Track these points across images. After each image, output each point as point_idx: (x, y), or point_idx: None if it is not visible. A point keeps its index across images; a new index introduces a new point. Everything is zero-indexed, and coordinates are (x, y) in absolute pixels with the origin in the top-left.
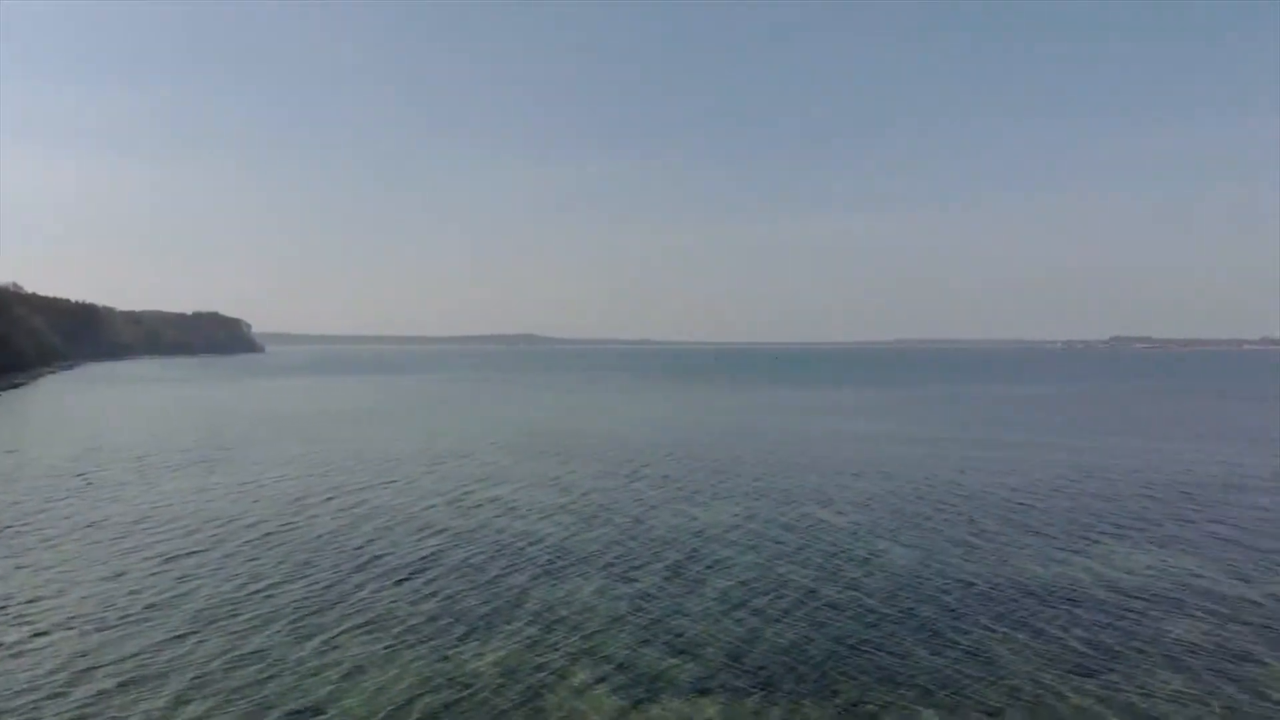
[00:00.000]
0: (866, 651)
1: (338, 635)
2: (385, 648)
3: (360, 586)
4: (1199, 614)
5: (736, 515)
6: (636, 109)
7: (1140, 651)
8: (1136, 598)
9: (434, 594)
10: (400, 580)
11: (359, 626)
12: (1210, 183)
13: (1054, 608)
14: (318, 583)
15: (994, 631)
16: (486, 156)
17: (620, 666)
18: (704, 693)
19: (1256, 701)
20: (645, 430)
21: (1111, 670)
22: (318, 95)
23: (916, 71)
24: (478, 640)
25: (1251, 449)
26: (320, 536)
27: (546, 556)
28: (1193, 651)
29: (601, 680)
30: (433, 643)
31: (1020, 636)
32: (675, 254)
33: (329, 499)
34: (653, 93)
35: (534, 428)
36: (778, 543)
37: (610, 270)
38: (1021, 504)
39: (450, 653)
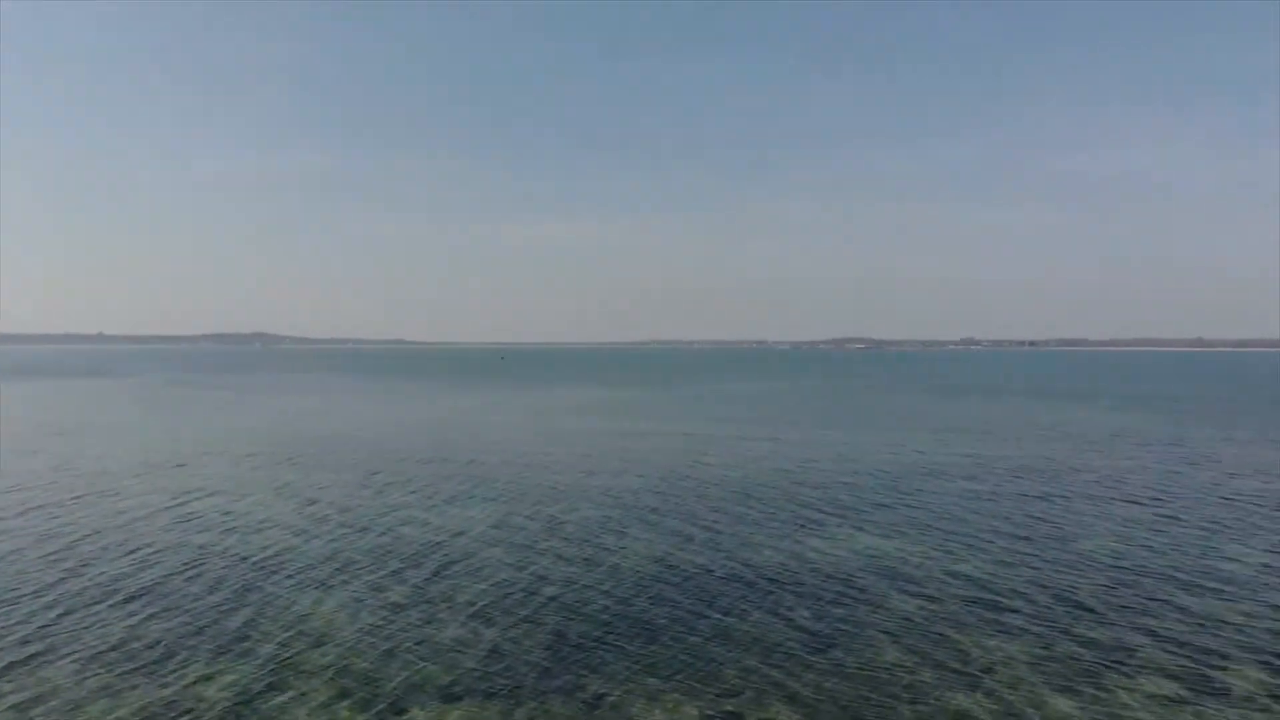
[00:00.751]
0: (611, 644)
1: (46, 666)
2: (100, 679)
3: (70, 613)
4: (912, 590)
5: (479, 518)
6: (385, 99)
7: (863, 627)
8: (857, 577)
9: (156, 616)
10: (115, 604)
11: (71, 656)
12: (873, 202)
13: (786, 590)
14: (17, 610)
15: (731, 616)
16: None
17: (365, 680)
18: (452, 699)
19: (964, 668)
20: (378, 433)
21: (836, 646)
22: None
23: (665, 90)
24: (205, 664)
25: (942, 438)
26: (23, 558)
27: (283, 571)
28: (908, 624)
29: (344, 696)
30: (155, 669)
31: (755, 619)
32: (430, 252)
33: (22, 514)
34: (407, 85)
35: (255, 435)
36: (523, 544)
37: (361, 267)
38: (751, 493)
39: (172, 679)
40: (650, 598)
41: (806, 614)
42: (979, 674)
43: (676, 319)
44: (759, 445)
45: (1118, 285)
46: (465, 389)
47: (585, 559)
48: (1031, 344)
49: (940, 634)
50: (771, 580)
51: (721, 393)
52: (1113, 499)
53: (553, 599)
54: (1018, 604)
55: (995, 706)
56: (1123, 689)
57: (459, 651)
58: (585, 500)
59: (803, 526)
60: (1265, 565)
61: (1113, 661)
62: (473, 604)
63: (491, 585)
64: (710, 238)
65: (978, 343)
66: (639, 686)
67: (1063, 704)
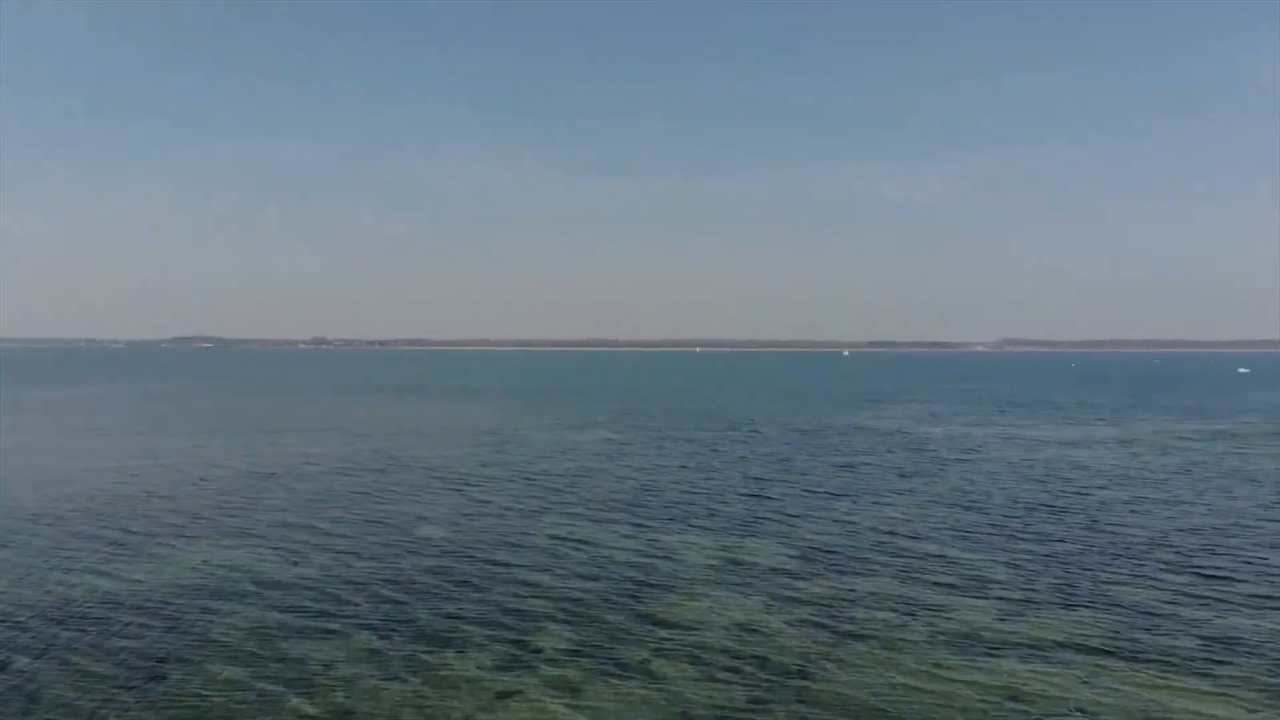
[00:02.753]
0: None
1: None
2: None
3: None
4: (252, 601)
5: None
6: None
7: (200, 647)
8: (190, 596)
9: None
10: None
11: None
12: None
13: (108, 623)
14: None
15: (43, 660)
16: None
17: None
18: None
19: (301, 673)
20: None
21: (167, 674)
22: None
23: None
24: None
25: (278, 439)
26: None
27: None
28: (248, 638)
29: None
30: None
31: (83, 655)
32: None
33: None
34: None
35: None
36: None
37: None
38: (62, 517)
39: None
40: None
41: (133, 644)
42: (314, 676)
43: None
44: (72, 461)
45: (452, 290)
46: None
47: None
48: (382, 344)
49: (278, 642)
50: (91, 615)
51: (39, 401)
52: (440, 488)
53: None
54: (358, 599)
55: (329, 707)
56: (451, 665)
57: None
58: None
59: (125, 549)
60: (557, 536)
61: (447, 639)
62: None
63: None
64: None
65: (329, 342)
66: None
67: (395, 690)
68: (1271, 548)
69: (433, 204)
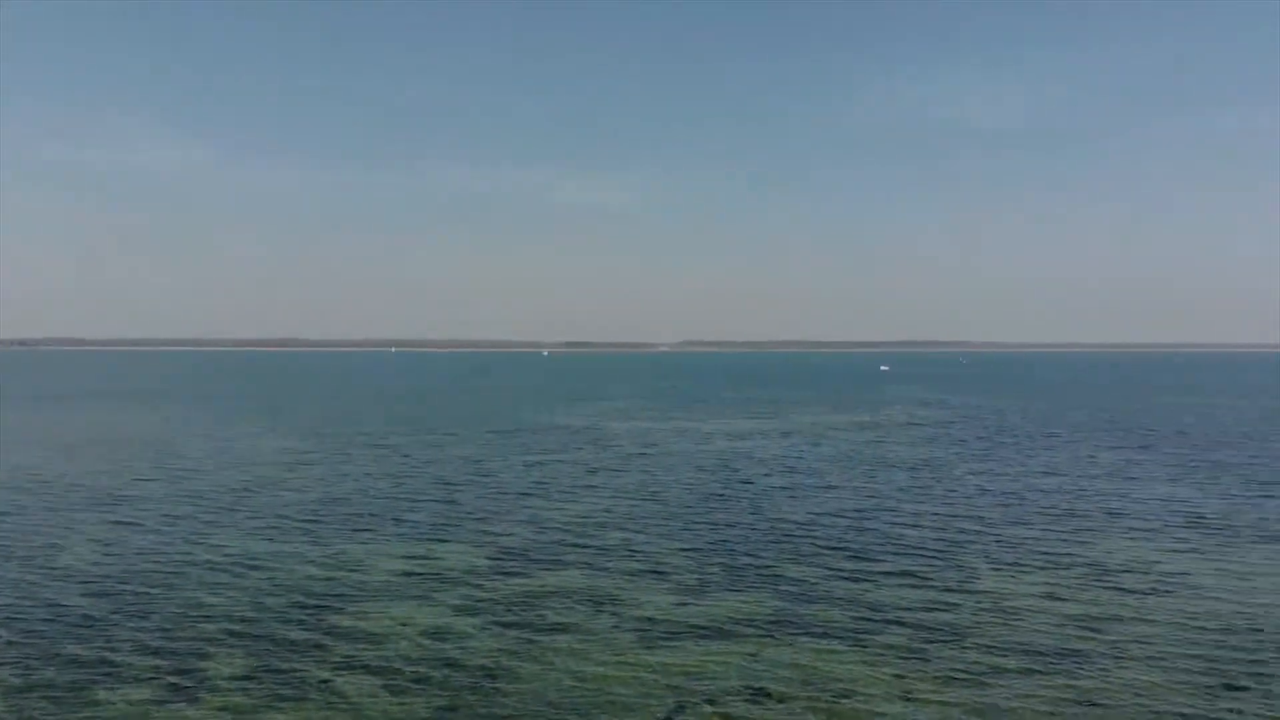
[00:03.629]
0: None
1: None
2: None
3: None
4: None
5: None
6: None
7: None
8: None
9: None
10: None
11: None
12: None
13: None
14: None
15: None
16: None
17: None
18: None
19: None
20: None
21: None
22: None
23: None
24: None
25: None
26: None
27: None
28: None
29: None
30: None
31: None
32: None
33: None
34: None
35: None
36: None
37: None
38: None
39: None
40: None
41: None
42: None
43: None
44: None
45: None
46: None
47: None
48: (22, 344)
49: None
50: None
51: None
52: (87, 508)
53: None
54: None
55: None
56: (103, 702)
57: None
58: None
59: None
60: (228, 555)
61: (98, 674)
62: None
63: None
64: None
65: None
66: None
67: None
68: (908, 526)
69: None
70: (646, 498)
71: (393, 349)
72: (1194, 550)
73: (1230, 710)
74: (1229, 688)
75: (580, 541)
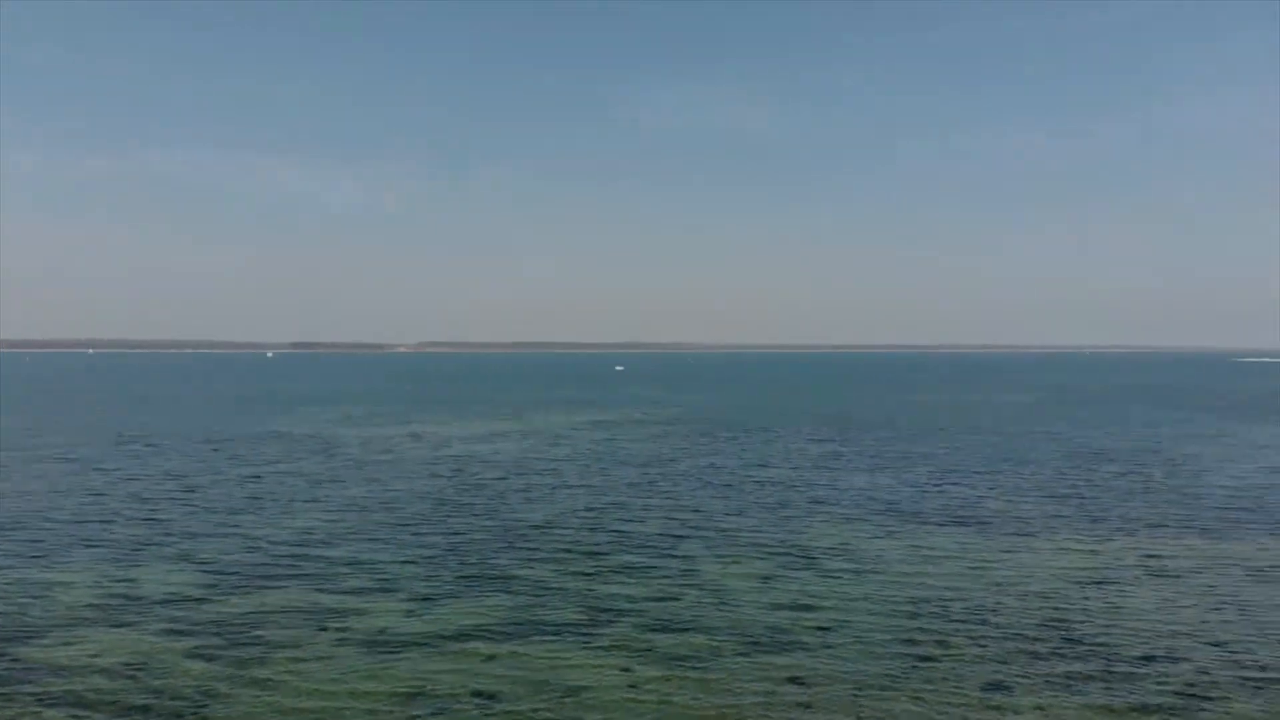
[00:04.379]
0: None
1: None
2: None
3: None
4: None
5: None
6: None
7: None
8: None
9: None
10: None
11: None
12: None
13: None
14: None
15: None
16: None
17: None
18: None
19: None
20: None
21: None
22: None
23: None
24: None
25: None
26: None
27: None
28: None
29: None
30: None
31: None
32: None
33: None
34: None
35: None
36: None
37: None
38: None
39: None
40: None
41: None
42: None
43: None
44: None
45: None
46: None
47: None
48: None
49: None
50: None
51: None
52: None
53: None
54: None
55: None
56: None
57: None
58: None
59: None
60: None
61: None
62: None
63: None
64: None
65: None
66: None
67: None
68: (637, 521)
69: None
70: (376, 508)
71: (89, 350)
72: (889, 534)
73: (924, 681)
74: (922, 659)
75: (302, 558)
